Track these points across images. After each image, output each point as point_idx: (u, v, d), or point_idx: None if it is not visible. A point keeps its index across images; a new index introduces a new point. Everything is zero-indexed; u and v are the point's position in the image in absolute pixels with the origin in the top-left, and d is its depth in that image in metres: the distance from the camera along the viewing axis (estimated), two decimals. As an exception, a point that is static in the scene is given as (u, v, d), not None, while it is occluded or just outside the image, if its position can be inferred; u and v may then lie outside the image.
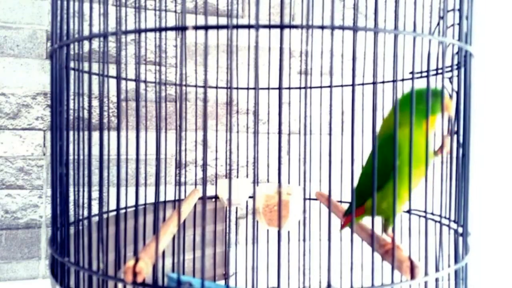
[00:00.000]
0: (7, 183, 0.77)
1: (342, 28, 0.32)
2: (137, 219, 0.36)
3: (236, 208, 0.86)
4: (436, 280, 0.40)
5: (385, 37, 0.66)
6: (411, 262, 0.35)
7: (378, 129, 0.46)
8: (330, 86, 0.33)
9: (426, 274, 0.37)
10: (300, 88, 0.78)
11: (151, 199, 0.79)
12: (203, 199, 0.33)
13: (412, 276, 0.35)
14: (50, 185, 0.47)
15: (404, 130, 0.41)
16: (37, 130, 0.78)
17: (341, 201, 0.76)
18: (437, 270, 0.40)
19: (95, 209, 0.78)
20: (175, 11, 0.71)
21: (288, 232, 0.87)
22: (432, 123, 0.41)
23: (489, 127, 1.03)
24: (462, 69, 0.44)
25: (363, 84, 0.71)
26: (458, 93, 0.45)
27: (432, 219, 0.55)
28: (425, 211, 0.38)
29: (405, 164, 0.39)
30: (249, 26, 0.31)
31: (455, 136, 0.46)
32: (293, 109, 0.88)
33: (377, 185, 0.41)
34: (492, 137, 1.03)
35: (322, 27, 0.32)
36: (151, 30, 0.34)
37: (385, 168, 0.41)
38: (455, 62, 0.46)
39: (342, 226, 0.48)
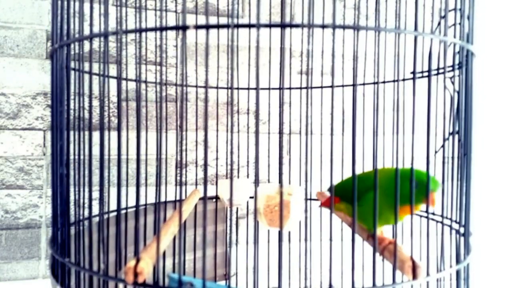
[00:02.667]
0: (7, 183, 0.77)
1: (344, 27, 0.32)
2: (137, 220, 0.36)
3: (237, 208, 0.85)
4: (438, 280, 0.39)
5: (386, 37, 0.66)
6: (413, 262, 0.35)
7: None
8: (332, 86, 0.33)
9: (427, 274, 0.37)
10: (301, 88, 0.78)
11: (151, 199, 0.79)
12: (204, 199, 0.33)
13: (414, 276, 0.35)
14: (51, 185, 0.47)
15: (383, 201, 0.44)
16: (37, 130, 0.78)
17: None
18: (438, 270, 0.39)
19: (95, 210, 0.78)
20: (176, 11, 0.71)
21: (289, 232, 0.87)
22: (407, 212, 0.43)
23: (490, 127, 1.03)
24: (464, 68, 0.44)
25: (363, 84, 0.71)
26: (459, 92, 0.45)
27: (434, 220, 0.54)
28: (426, 211, 0.38)
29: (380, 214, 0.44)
30: (250, 25, 0.31)
31: (456, 136, 0.46)
32: (293, 109, 0.88)
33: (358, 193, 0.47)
34: (493, 137, 1.03)
35: (324, 26, 0.32)
36: (152, 29, 0.34)
37: (361, 192, 0.46)
38: (457, 61, 0.46)
39: (321, 205, 0.57)
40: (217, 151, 0.74)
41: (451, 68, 0.50)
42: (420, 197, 0.41)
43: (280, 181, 0.33)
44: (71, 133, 0.45)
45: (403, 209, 0.42)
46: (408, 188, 0.41)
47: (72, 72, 0.46)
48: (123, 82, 0.78)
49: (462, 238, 0.44)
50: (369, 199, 0.45)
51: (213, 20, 0.85)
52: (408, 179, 0.42)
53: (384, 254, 0.40)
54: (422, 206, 0.45)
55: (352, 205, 0.48)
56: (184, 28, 0.32)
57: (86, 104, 0.75)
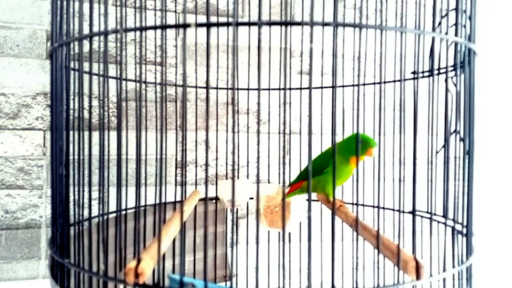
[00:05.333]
0: (7, 183, 0.76)
1: (345, 25, 0.32)
2: (137, 220, 0.35)
3: (237, 209, 0.85)
4: (440, 280, 0.39)
5: (387, 35, 0.65)
6: (417, 262, 0.34)
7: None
8: (333, 87, 0.33)
9: (430, 274, 0.36)
10: (301, 88, 0.78)
11: (151, 199, 0.79)
12: (205, 200, 0.33)
13: (418, 277, 0.34)
14: (50, 185, 0.46)
15: (339, 158, 0.61)
16: (37, 130, 0.78)
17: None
18: (441, 270, 0.39)
19: (95, 210, 0.77)
20: (175, 11, 0.71)
21: (289, 233, 0.86)
22: (355, 163, 0.60)
23: (492, 126, 1.02)
24: (466, 68, 0.43)
25: (364, 84, 0.71)
26: (461, 91, 0.45)
27: (436, 220, 0.54)
28: (429, 212, 0.38)
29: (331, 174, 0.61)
30: (251, 23, 0.31)
31: (458, 136, 0.46)
32: (293, 109, 0.87)
33: (315, 172, 0.64)
34: (495, 136, 1.02)
35: (325, 24, 0.31)
36: (152, 27, 0.33)
37: (321, 168, 0.63)
38: (458, 60, 0.45)
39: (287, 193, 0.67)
40: (217, 151, 0.74)
41: (453, 67, 0.50)
42: (364, 151, 0.59)
43: (282, 182, 0.32)
44: (71, 133, 0.45)
45: (353, 159, 0.60)
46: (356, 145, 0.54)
47: (72, 72, 0.46)
48: (123, 82, 0.78)
49: (464, 239, 0.44)
50: (331, 164, 0.62)
51: (213, 20, 0.85)
52: (355, 140, 0.59)
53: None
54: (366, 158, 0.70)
55: (318, 178, 0.63)
56: (185, 26, 0.32)
57: (86, 104, 0.75)
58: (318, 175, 0.63)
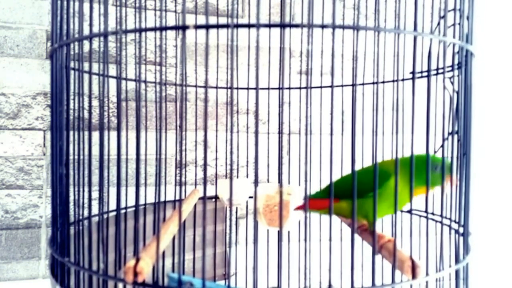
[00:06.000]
0: (7, 183, 0.77)
1: (343, 27, 0.32)
2: (137, 219, 0.36)
3: (236, 208, 0.86)
4: (437, 280, 0.39)
5: (386, 37, 0.66)
6: (413, 262, 0.35)
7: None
8: (331, 86, 0.33)
9: (427, 274, 0.37)
10: (300, 88, 0.78)
11: (151, 199, 0.79)
12: (204, 199, 0.33)
13: (414, 276, 0.35)
14: (50, 185, 0.47)
15: (401, 182, 0.45)
16: (37, 130, 0.78)
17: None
18: (438, 270, 0.39)
19: (95, 209, 0.78)
20: (175, 11, 0.71)
21: (288, 232, 0.87)
22: (421, 192, 0.45)
23: (489, 127, 1.03)
24: (463, 69, 0.44)
25: (363, 84, 0.71)
26: (458, 92, 0.45)
27: (433, 219, 0.55)
28: (426, 211, 0.38)
29: (382, 201, 0.45)
30: (249, 25, 0.31)
31: (455, 136, 0.46)
32: (293, 109, 0.88)
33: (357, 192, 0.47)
34: (492, 136, 1.03)
35: (323, 26, 0.32)
36: (151, 29, 0.34)
37: (365, 188, 0.46)
38: (456, 61, 0.46)
39: (300, 208, 0.53)
40: (216, 151, 0.74)
41: (450, 68, 0.50)
42: (440, 179, 0.43)
43: (280, 181, 0.33)
44: (71, 133, 0.45)
45: (421, 188, 0.44)
46: (431, 171, 0.43)
47: (72, 72, 0.46)
48: (123, 82, 0.78)
49: (461, 238, 0.44)
50: (388, 187, 0.45)
51: (212, 20, 0.85)
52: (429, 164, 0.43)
53: (382, 252, 0.41)
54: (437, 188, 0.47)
55: (356, 202, 0.47)
56: (184, 28, 0.32)
57: (86, 104, 0.75)
58: (360, 196, 0.47)
